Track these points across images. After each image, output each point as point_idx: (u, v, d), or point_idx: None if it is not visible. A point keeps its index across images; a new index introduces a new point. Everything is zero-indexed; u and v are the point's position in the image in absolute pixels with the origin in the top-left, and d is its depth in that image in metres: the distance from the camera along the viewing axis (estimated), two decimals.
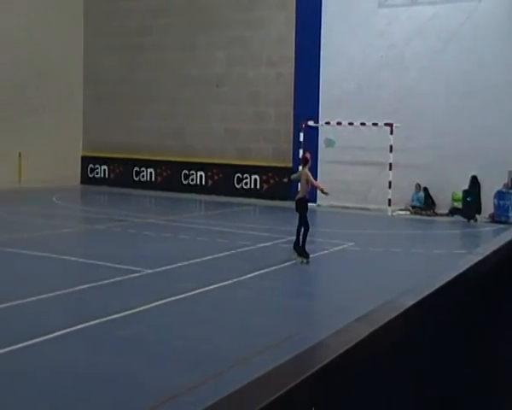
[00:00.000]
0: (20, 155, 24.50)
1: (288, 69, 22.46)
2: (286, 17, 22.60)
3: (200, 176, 24.26)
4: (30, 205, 19.40)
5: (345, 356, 1.71)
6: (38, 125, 25.26)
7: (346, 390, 1.83)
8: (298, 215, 11.82)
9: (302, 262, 11.69)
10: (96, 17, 26.64)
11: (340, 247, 13.54)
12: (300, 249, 11.74)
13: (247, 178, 23.38)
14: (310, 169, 12.07)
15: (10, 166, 24.17)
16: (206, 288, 9.39)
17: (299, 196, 11.93)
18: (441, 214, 19.61)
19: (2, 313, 7.78)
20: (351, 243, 13.90)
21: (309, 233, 11.76)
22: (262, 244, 13.50)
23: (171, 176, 24.72)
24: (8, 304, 8.08)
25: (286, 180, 13.79)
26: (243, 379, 1.82)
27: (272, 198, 22.33)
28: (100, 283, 9.50)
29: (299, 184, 12.20)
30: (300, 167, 12.45)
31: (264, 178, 23.17)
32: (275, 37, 23.01)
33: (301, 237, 11.68)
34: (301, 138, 21.36)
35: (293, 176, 12.92)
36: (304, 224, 11.69)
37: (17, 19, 24.26)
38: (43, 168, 25.04)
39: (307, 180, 11.72)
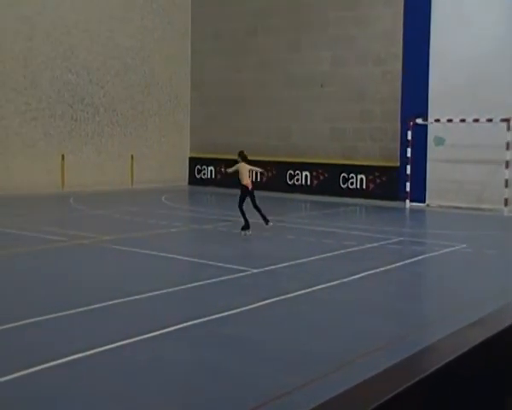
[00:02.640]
0: (132, 157, 25.58)
1: (395, 66, 21.95)
2: (393, 12, 22.09)
3: (306, 176, 24.22)
4: (141, 205, 20.17)
5: (457, 361, 1.60)
6: (148, 127, 26.28)
7: (458, 396, 1.72)
8: (250, 199, 13.83)
9: (245, 234, 13.80)
10: (203, 22, 27.29)
11: (451, 248, 13.02)
12: (245, 224, 13.81)
13: (352, 177, 23.08)
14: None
15: (123, 168, 25.32)
16: (312, 288, 9.32)
17: (246, 183, 13.80)
18: None
19: (116, 309, 8.10)
20: (463, 245, 13.33)
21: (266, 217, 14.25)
22: (369, 245, 13.25)
23: (276, 176, 24.87)
24: (120, 300, 8.41)
25: (227, 171, 15.00)
26: (349, 381, 1.75)
27: (379, 198, 21.92)
28: (206, 281, 9.68)
29: (242, 174, 13.90)
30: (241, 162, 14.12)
31: (371, 177, 22.78)
32: (381, 34, 22.55)
33: (240, 211, 13.76)
34: (409, 137, 20.81)
35: (231, 169, 14.39)
36: (240, 202, 13.78)
37: (127, 28, 25.35)
38: (152, 170, 26.05)
39: (251, 170, 14.27)
